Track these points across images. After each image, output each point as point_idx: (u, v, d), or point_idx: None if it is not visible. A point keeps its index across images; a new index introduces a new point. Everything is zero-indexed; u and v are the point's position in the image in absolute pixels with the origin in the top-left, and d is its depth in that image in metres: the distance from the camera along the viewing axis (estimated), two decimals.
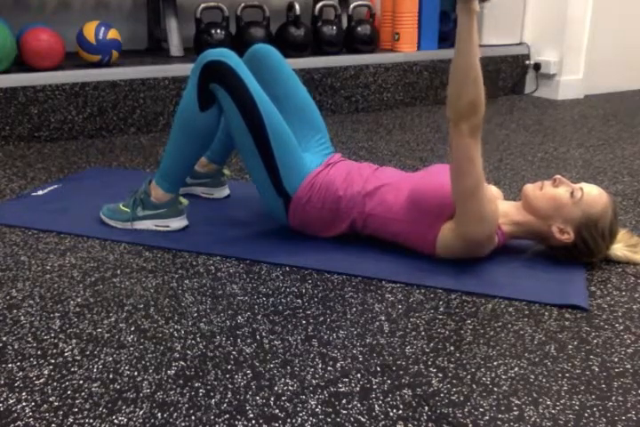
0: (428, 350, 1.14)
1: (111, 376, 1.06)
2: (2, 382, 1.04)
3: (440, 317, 1.26)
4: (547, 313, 1.27)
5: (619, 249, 1.48)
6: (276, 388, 1.03)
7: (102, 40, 2.56)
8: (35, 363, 1.09)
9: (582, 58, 3.55)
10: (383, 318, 1.25)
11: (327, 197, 1.50)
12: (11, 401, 1.00)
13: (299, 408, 0.98)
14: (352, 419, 0.96)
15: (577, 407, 0.99)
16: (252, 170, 1.51)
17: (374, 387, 1.04)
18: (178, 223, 1.65)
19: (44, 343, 1.15)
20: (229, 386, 1.04)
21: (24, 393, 1.02)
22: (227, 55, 1.47)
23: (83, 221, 1.70)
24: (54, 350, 1.13)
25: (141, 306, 1.29)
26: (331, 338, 1.18)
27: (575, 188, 1.40)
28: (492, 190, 1.60)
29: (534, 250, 1.54)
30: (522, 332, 1.20)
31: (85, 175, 2.11)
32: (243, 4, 2.90)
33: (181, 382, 1.05)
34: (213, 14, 3.03)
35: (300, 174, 1.51)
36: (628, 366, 1.10)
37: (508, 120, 3.02)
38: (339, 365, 1.10)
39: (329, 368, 1.09)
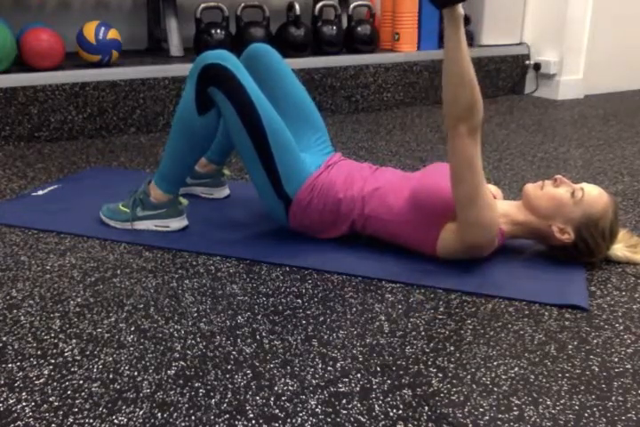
0: (428, 350, 1.14)
1: (111, 376, 1.06)
2: (2, 382, 1.04)
3: (440, 317, 1.26)
4: (547, 313, 1.27)
5: (619, 249, 1.48)
6: (275, 388, 1.03)
7: (102, 40, 2.56)
8: (35, 363, 1.09)
9: (582, 58, 3.55)
10: (383, 318, 1.25)
11: (327, 200, 1.50)
12: (11, 401, 1.00)
13: (299, 408, 0.98)
14: (352, 419, 0.96)
15: (577, 407, 0.99)
16: (252, 172, 1.51)
17: (374, 387, 1.04)
18: (178, 223, 1.65)
19: (44, 343, 1.15)
20: (229, 386, 1.04)
21: (24, 393, 1.02)
22: (225, 58, 1.46)
23: (83, 221, 1.70)
24: (54, 350, 1.13)
25: (141, 306, 1.29)
26: (331, 338, 1.18)
27: (576, 188, 1.40)
28: (492, 190, 1.60)
29: (534, 250, 1.54)
30: (522, 332, 1.20)
31: (85, 175, 2.11)
32: (243, 4, 2.90)
33: (181, 382, 1.05)
34: (213, 14, 3.03)
35: (300, 177, 1.50)
36: (628, 366, 1.10)
37: (507, 120, 3.03)
38: (339, 365, 1.10)
39: (329, 368, 1.09)
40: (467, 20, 3.47)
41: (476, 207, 1.31)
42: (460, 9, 1.20)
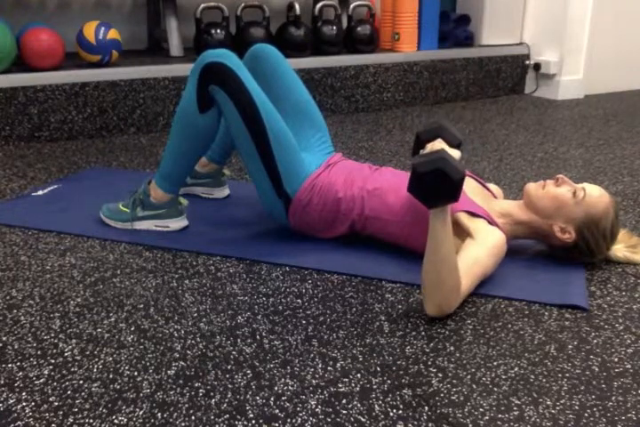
0: (427, 350, 1.14)
1: (111, 376, 1.06)
2: (2, 382, 1.04)
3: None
4: (547, 313, 1.27)
5: (619, 250, 1.48)
6: (275, 388, 1.03)
7: (102, 40, 2.56)
8: (35, 363, 1.09)
9: (582, 58, 3.55)
10: (383, 318, 1.25)
11: (327, 199, 1.50)
12: (11, 401, 1.00)
13: (299, 408, 0.98)
14: (352, 419, 0.96)
15: (577, 407, 0.99)
16: (253, 171, 1.51)
17: (374, 387, 1.04)
18: (178, 224, 1.65)
19: (44, 343, 1.15)
20: (229, 386, 1.04)
21: (24, 393, 1.02)
22: (226, 56, 1.46)
23: (83, 221, 1.70)
24: (54, 350, 1.13)
25: (141, 306, 1.29)
26: (331, 338, 1.18)
27: (577, 187, 1.40)
28: (492, 189, 1.60)
29: (534, 250, 1.54)
30: (522, 332, 1.20)
31: (85, 175, 2.11)
32: (243, 4, 2.90)
33: (181, 382, 1.05)
34: (213, 14, 3.03)
35: (300, 176, 1.50)
36: (628, 366, 1.10)
37: (507, 120, 3.02)
38: (339, 365, 1.10)
39: (329, 368, 1.09)
40: (467, 19, 3.47)
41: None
42: (448, 207, 1.17)
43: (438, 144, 1.45)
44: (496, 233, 1.34)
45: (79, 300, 1.31)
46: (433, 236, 1.18)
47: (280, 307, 1.29)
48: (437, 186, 1.13)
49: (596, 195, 1.39)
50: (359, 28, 3.14)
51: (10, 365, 1.09)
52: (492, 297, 1.33)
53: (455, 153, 1.44)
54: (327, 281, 1.40)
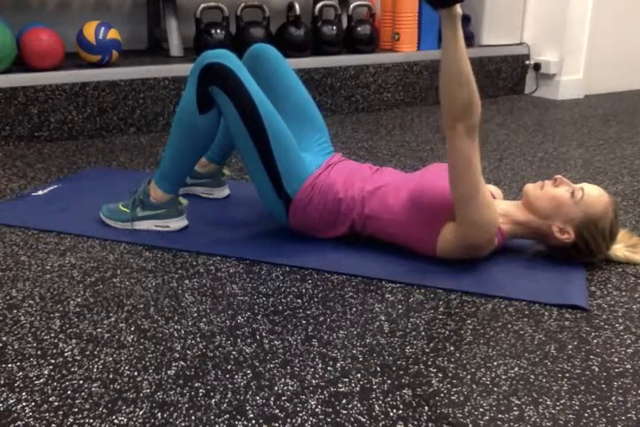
0: (428, 350, 1.14)
1: (111, 376, 1.06)
2: (2, 382, 1.04)
3: (440, 317, 1.26)
4: (547, 313, 1.27)
5: (619, 250, 1.48)
6: (275, 388, 1.03)
7: (102, 40, 2.56)
8: (35, 363, 1.09)
9: (582, 58, 3.55)
10: (383, 318, 1.25)
11: (327, 199, 1.50)
12: (11, 401, 1.00)
13: (299, 408, 0.98)
14: (352, 419, 0.96)
15: (577, 407, 0.99)
16: (253, 172, 1.51)
17: (374, 387, 1.04)
18: (178, 223, 1.65)
19: (44, 343, 1.15)
20: (229, 386, 1.04)
21: (24, 393, 1.02)
22: (226, 57, 1.46)
23: (83, 221, 1.70)
24: (54, 350, 1.13)
25: (141, 306, 1.29)
26: (331, 338, 1.18)
27: (576, 188, 1.40)
28: (492, 190, 1.60)
29: (534, 250, 1.54)
30: (522, 332, 1.20)
31: (85, 175, 2.11)
32: (243, 4, 2.90)
33: (181, 382, 1.05)
34: (213, 14, 3.03)
35: (300, 177, 1.50)
36: (628, 366, 1.10)
37: (508, 120, 3.02)
38: (339, 365, 1.10)
39: (329, 368, 1.09)
40: (467, 20, 3.47)
41: (475, 207, 1.31)
42: (458, 9, 1.19)
43: None
44: None
45: (79, 300, 1.31)
46: (444, 44, 1.21)
47: (280, 307, 1.29)
48: None
49: (594, 195, 1.39)
50: (359, 28, 3.14)
51: (10, 365, 1.09)
52: (492, 297, 1.34)
53: None
54: (327, 281, 1.40)
